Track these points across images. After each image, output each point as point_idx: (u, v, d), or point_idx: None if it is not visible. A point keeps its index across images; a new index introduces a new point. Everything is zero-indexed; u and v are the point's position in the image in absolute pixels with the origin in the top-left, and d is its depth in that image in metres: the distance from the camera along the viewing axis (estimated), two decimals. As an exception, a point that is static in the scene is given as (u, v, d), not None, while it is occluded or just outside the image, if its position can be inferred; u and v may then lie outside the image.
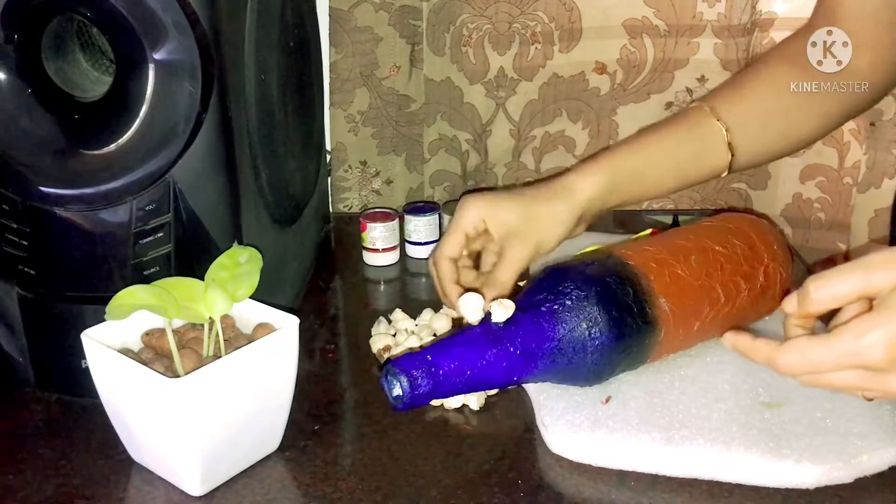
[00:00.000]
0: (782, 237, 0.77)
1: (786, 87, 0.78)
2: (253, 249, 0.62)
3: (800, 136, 0.82)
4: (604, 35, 1.01)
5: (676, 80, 1.03)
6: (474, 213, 0.75)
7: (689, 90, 1.03)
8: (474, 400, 0.68)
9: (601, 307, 0.63)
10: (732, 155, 0.77)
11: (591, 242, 0.91)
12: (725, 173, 0.79)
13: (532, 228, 0.74)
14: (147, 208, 0.64)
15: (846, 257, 1.01)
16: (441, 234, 0.97)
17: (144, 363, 0.57)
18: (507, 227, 0.74)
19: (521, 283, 0.77)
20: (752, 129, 0.78)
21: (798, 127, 0.80)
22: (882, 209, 0.96)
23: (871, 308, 0.50)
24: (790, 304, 0.54)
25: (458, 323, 0.77)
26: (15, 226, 0.65)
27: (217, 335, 0.59)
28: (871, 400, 0.56)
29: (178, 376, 0.57)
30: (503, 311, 0.63)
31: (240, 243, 0.64)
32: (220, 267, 0.61)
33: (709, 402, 0.65)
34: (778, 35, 0.96)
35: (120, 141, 0.62)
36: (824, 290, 0.51)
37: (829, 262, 0.89)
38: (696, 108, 0.79)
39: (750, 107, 0.78)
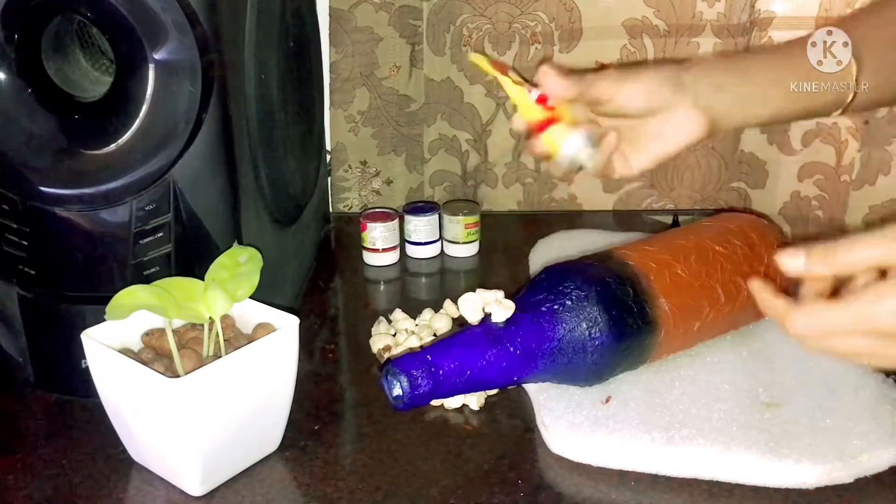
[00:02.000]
0: (782, 237, 0.77)
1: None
2: (253, 249, 0.62)
3: None
4: (604, 35, 1.01)
5: (676, 80, 1.03)
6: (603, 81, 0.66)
7: None
8: (474, 400, 0.68)
9: (601, 307, 0.63)
10: (859, 71, 0.68)
11: (590, 239, 0.91)
12: (847, 104, 0.69)
13: (629, 70, 0.66)
14: (147, 208, 0.64)
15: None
16: (441, 234, 0.97)
17: (144, 363, 0.57)
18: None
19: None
20: (880, 49, 0.69)
21: None
22: (876, 206, 0.96)
23: (885, 278, 0.50)
24: (795, 262, 0.51)
25: (458, 323, 0.78)
26: (15, 226, 0.65)
27: (217, 335, 0.59)
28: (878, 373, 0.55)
29: (178, 376, 0.57)
30: (503, 311, 0.63)
31: (240, 243, 0.64)
32: (220, 267, 0.61)
33: (709, 402, 0.65)
34: (777, 34, 0.96)
35: (120, 141, 0.62)
36: (852, 253, 0.50)
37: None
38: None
39: (879, 26, 0.70)
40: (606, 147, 0.66)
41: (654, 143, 0.67)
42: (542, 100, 0.65)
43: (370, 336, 0.78)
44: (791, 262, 0.51)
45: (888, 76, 0.70)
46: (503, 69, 0.68)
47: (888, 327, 0.49)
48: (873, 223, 0.87)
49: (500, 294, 0.65)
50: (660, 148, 0.67)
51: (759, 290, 0.54)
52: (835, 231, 1.01)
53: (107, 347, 0.58)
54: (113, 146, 0.62)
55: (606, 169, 0.67)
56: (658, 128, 0.66)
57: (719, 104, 0.66)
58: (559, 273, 0.66)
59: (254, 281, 0.60)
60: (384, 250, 0.95)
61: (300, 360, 0.62)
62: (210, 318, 0.59)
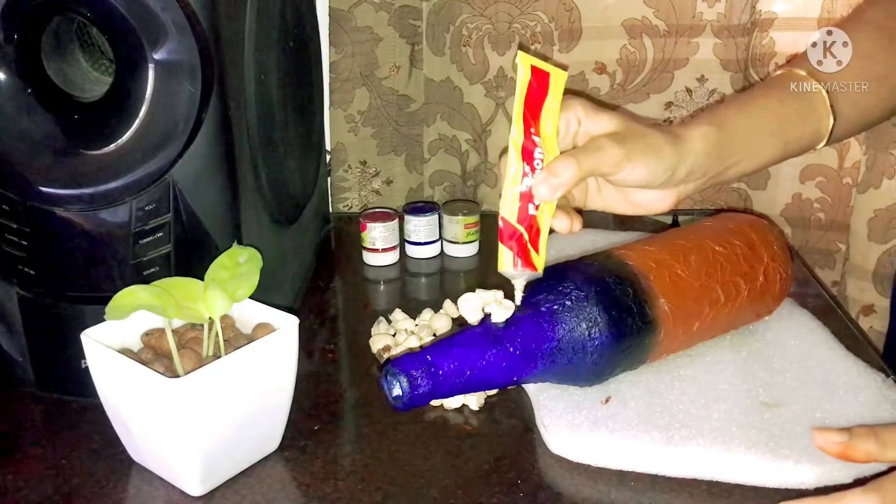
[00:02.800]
0: (782, 237, 0.77)
1: (887, 41, 0.72)
2: (253, 249, 0.62)
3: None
4: (603, 35, 1.01)
5: (676, 80, 1.03)
6: (573, 111, 0.63)
7: (688, 90, 1.03)
8: (474, 400, 0.68)
9: (601, 307, 0.63)
10: (834, 118, 0.70)
11: (590, 239, 0.91)
12: (824, 143, 0.71)
13: (628, 140, 0.62)
14: (147, 208, 0.64)
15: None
16: (441, 234, 0.97)
17: (144, 363, 0.57)
18: (602, 128, 0.63)
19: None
20: (851, 96, 0.71)
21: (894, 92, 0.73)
22: (881, 209, 0.96)
23: None
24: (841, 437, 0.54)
25: (458, 323, 0.78)
26: (15, 226, 0.65)
27: (217, 335, 0.59)
28: None
29: (178, 376, 0.57)
30: (503, 311, 0.63)
31: (240, 243, 0.64)
32: (220, 267, 0.61)
33: (709, 402, 0.65)
34: (778, 35, 0.96)
35: (120, 141, 0.62)
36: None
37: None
38: (787, 72, 0.72)
39: (845, 73, 0.71)
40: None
41: (617, 199, 0.66)
42: (526, 197, 0.60)
43: (370, 336, 0.78)
44: (834, 440, 0.53)
45: (863, 109, 0.73)
46: (534, 112, 0.60)
47: None
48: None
49: (500, 294, 0.65)
50: (620, 206, 0.66)
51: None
52: (840, 231, 1.01)
53: (107, 347, 0.58)
54: (113, 146, 0.62)
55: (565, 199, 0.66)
56: (631, 194, 0.65)
57: (695, 188, 0.68)
58: (559, 273, 0.66)
59: (254, 281, 0.60)
60: (384, 250, 0.95)
61: (300, 360, 0.62)
62: (210, 318, 0.59)
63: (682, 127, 0.66)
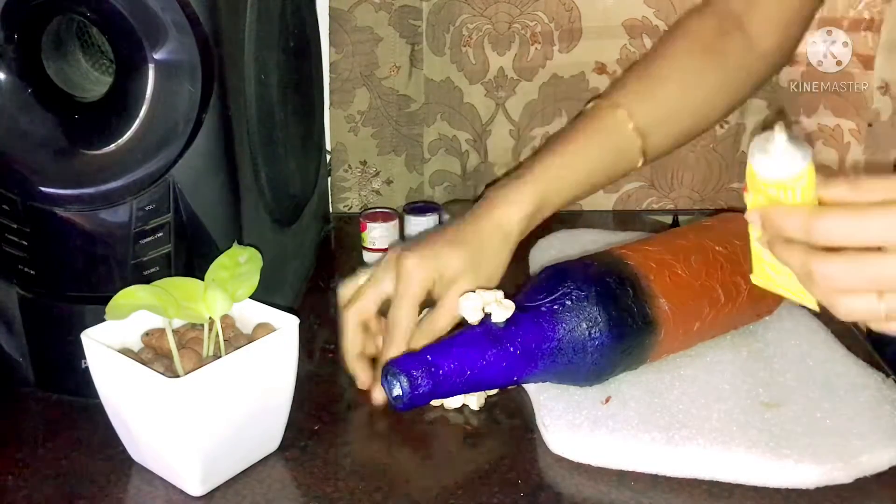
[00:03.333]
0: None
1: (695, 81, 0.78)
2: (253, 249, 0.62)
3: (708, 124, 0.83)
4: (604, 35, 1.01)
5: (676, 80, 1.03)
6: (423, 276, 0.67)
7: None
8: (474, 400, 0.68)
9: (601, 307, 0.63)
10: (644, 159, 0.77)
11: (590, 239, 0.91)
12: (640, 165, 0.78)
13: (478, 275, 0.69)
14: (147, 208, 0.64)
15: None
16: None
17: (144, 363, 0.57)
18: (452, 278, 0.68)
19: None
20: (664, 128, 0.78)
21: (707, 118, 0.81)
22: None
23: None
24: (838, 190, 0.47)
25: (458, 323, 0.77)
26: (15, 226, 0.65)
27: (217, 335, 0.59)
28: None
29: (178, 376, 0.57)
30: (503, 311, 0.63)
31: (240, 243, 0.64)
32: (220, 267, 0.61)
33: (709, 402, 0.65)
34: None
35: (120, 141, 0.62)
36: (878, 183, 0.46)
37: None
38: (608, 109, 0.76)
39: (661, 106, 0.77)
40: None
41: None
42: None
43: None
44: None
45: (675, 137, 0.80)
46: None
47: None
48: None
49: (500, 294, 0.65)
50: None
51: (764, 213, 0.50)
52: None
53: (107, 347, 0.58)
54: (113, 146, 0.62)
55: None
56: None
57: (534, 223, 0.74)
58: (559, 273, 0.66)
59: (254, 281, 0.60)
60: (384, 250, 0.95)
61: (300, 360, 0.62)
62: (210, 318, 0.59)
63: (502, 207, 0.72)
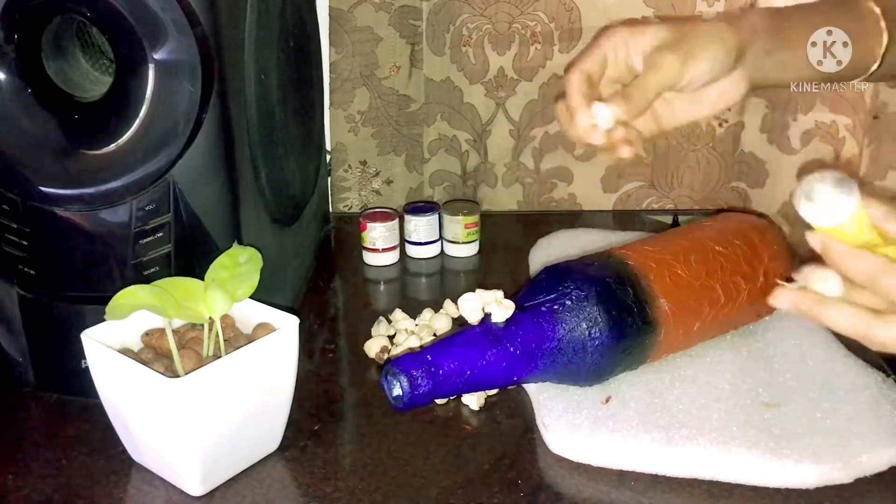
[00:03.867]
0: (782, 236, 0.77)
1: None
2: (253, 249, 0.62)
3: None
4: (604, 35, 1.01)
5: (676, 79, 1.03)
6: (617, 37, 0.63)
7: None
8: (474, 400, 0.68)
9: (601, 307, 0.63)
10: (889, 39, 0.66)
11: (590, 239, 0.91)
12: (875, 66, 0.67)
13: (683, 40, 0.61)
14: (147, 208, 0.64)
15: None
16: (441, 234, 0.97)
17: (144, 363, 0.57)
18: (653, 42, 0.63)
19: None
20: None
21: None
22: None
23: None
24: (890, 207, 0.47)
25: (458, 323, 0.77)
26: (15, 226, 0.65)
27: (217, 335, 0.59)
28: None
29: (178, 376, 0.57)
30: (503, 311, 0.63)
31: (240, 243, 0.64)
32: (220, 267, 0.61)
33: (709, 402, 0.65)
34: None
35: (120, 141, 0.62)
36: None
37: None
38: None
39: None
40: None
41: (693, 106, 0.65)
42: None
43: (370, 336, 0.78)
44: (882, 209, 0.48)
45: None
46: None
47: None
48: None
49: (500, 294, 0.65)
50: (699, 110, 0.65)
51: (810, 300, 0.51)
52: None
53: (107, 347, 0.58)
54: (113, 146, 0.62)
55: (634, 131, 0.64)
56: (701, 95, 0.64)
57: (764, 70, 0.65)
58: (559, 273, 0.66)
59: (254, 281, 0.60)
60: (384, 250, 0.95)
61: (300, 360, 0.62)
62: (210, 318, 0.59)
63: (739, 10, 0.65)
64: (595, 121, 0.59)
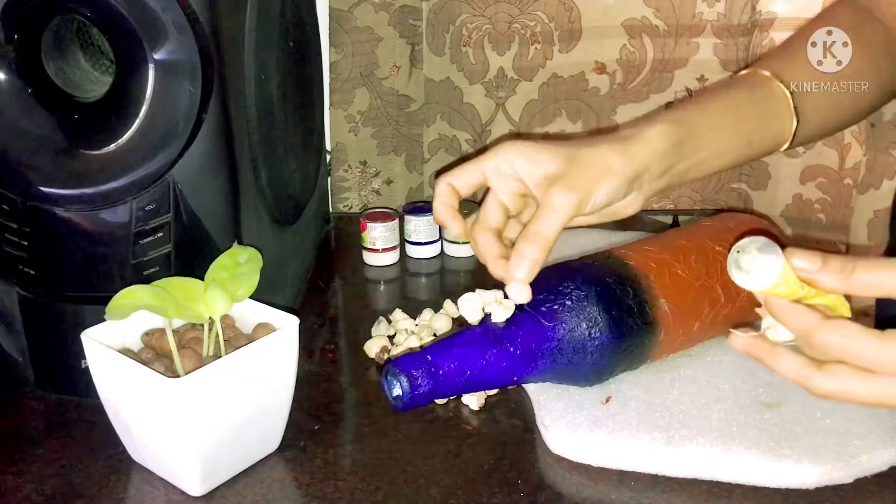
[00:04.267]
0: (783, 238, 0.77)
1: (853, 42, 0.72)
2: (253, 249, 0.62)
3: (860, 107, 0.75)
4: (603, 35, 1.01)
5: (676, 80, 1.03)
6: (504, 153, 0.63)
7: (688, 90, 1.03)
8: (474, 400, 0.68)
9: (601, 307, 0.63)
10: (798, 121, 0.69)
11: (590, 239, 0.91)
12: (787, 145, 0.71)
13: (577, 175, 0.60)
14: (147, 208, 0.64)
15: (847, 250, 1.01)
16: (441, 234, 0.97)
17: (144, 363, 0.57)
18: (544, 172, 0.61)
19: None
20: (814, 97, 0.70)
21: (859, 100, 0.74)
22: (881, 210, 0.96)
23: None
24: (810, 265, 0.49)
25: (458, 323, 0.77)
26: (15, 226, 0.65)
27: (217, 335, 0.59)
28: None
29: (178, 376, 0.57)
30: (503, 311, 0.63)
31: (240, 243, 0.64)
32: (220, 267, 0.61)
33: (709, 402, 0.65)
34: (778, 35, 0.96)
35: (120, 141, 0.62)
36: (870, 275, 0.48)
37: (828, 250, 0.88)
38: (751, 72, 0.71)
39: (810, 74, 0.71)
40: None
41: (585, 220, 0.64)
42: None
43: (370, 336, 0.78)
44: (806, 264, 0.49)
45: (826, 113, 0.73)
46: None
47: None
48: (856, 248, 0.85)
49: (500, 294, 0.65)
50: (589, 220, 0.65)
51: (761, 347, 0.53)
52: (840, 232, 1.01)
53: (107, 347, 0.58)
54: (113, 146, 0.62)
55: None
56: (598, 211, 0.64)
57: (664, 186, 0.66)
58: (559, 273, 0.66)
59: (254, 281, 0.60)
60: (384, 250, 0.95)
61: (300, 360, 0.62)
62: (210, 318, 0.59)
63: (639, 126, 0.64)
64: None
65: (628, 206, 0.65)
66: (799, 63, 0.72)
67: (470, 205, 0.98)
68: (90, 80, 0.66)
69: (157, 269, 0.65)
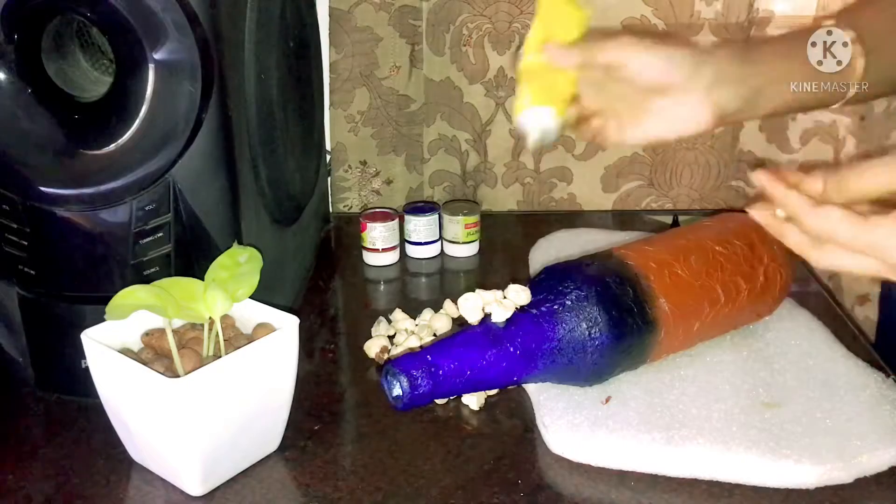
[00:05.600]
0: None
1: None
2: (253, 249, 0.62)
3: None
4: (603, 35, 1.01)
5: (676, 79, 1.03)
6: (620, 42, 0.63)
7: None
8: (474, 400, 0.68)
9: (601, 307, 0.63)
10: (867, 65, 0.65)
11: (590, 239, 0.91)
12: (854, 90, 0.67)
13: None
14: (147, 208, 0.64)
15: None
16: (441, 234, 0.97)
17: (144, 363, 0.57)
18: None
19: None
20: (882, 40, 0.66)
21: None
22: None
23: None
24: (814, 187, 0.51)
25: (458, 323, 0.77)
26: (15, 226, 0.65)
27: (217, 335, 0.59)
28: None
29: (178, 376, 0.57)
30: (503, 311, 0.63)
31: (240, 243, 0.64)
32: (220, 267, 0.61)
33: (709, 402, 0.65)
34: (776, 34, 0.96)
35: (120, 141, 0.62)
36: (862, 180, 0.49)
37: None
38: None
39: (880, 13, 0.67)
40: (587, 132, 0.66)
41: (655, 122, 0.64)
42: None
43: (370, 336, 0.78)
44: (812, 187, 0.51)
45: (887, 70, 0.68)
46: None
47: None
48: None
49: (499, 294, 0.65)
50: (659, 129, 0.64)
51: (776, 184, 0.53)
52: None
53: (107, 347, 0.58)
54: (113, 146, 0.62)
55: (597, 138, 0.67)
56: (663, 108, 0.63)
57: (729, 99, 0.64)
58: (559, 273, 0.66)
59: (254, 281, 0.60)
60: (384, 250, 0.95)
61: (300, 360, 0.62)
62: (210, 318, 0.59)
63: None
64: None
65: (694, 116, 0.64)
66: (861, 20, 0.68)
67: (470, 205, 0.98)
68: (90, 80, 0.66)
69: (157, 269, 0.65)
